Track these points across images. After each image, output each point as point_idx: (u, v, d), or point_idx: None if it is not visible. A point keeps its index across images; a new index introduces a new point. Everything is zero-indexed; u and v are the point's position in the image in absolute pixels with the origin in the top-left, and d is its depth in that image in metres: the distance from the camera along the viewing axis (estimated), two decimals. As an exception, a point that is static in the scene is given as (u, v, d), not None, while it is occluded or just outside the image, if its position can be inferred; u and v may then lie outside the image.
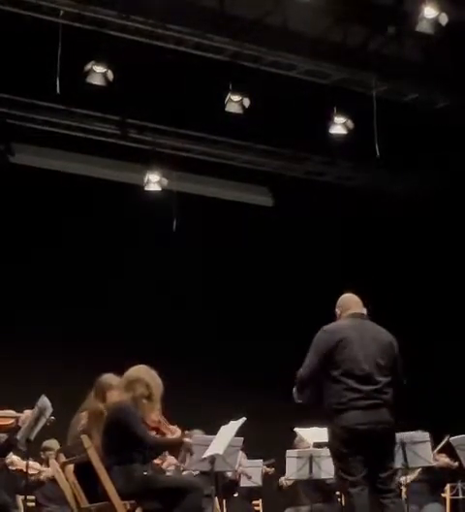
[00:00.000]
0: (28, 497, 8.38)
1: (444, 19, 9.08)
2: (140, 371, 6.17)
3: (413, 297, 12.18)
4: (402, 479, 8.61)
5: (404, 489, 8.72)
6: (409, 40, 10.04)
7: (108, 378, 6.45)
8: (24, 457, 7.64)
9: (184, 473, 8.26)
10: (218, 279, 12.51)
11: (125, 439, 5.88)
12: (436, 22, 9.09)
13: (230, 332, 12.20)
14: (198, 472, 8.11)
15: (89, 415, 6.31)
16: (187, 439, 6.44)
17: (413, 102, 10.87)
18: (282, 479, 9.40)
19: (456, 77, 10.45)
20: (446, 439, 8.63)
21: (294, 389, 5.97)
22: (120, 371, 6.25)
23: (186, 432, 6.92)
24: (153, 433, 6.87)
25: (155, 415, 6.48)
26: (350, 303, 6.14)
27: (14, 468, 8.50)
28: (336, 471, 5.96)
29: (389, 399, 5.88)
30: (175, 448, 6.41)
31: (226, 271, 12.54)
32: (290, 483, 9.41)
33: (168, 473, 8.40)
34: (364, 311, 6.13)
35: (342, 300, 6.19)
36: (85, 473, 5.91)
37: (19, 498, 8.65)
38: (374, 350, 5.92)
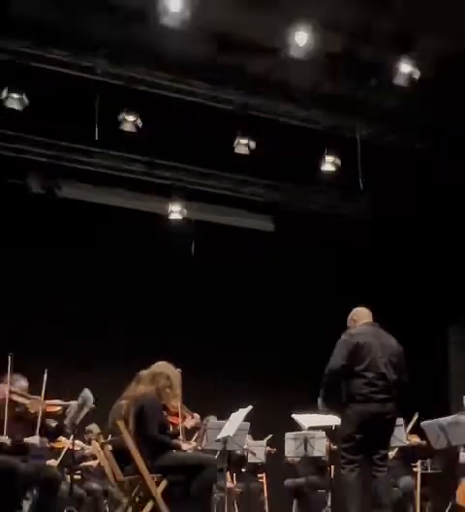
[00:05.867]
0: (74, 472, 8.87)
1: (416, 74, 9.56)
2: (162, 367, 6.58)
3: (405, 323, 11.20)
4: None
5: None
6: (388, 91, 10.14)
7: (144, 373, 6.78)
8: (70, 438, 8.35)
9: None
10: (230, 294, 12.75)
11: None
12: (410, 77, 9.58)
13: (242, 341, 12.54)
14: (218, 452, 8.44)
15: (129, 403, 6.63)
16: (186, 446, 6.88)
17: (392, 143, 11.09)
18: (290, 457, 9.92)
19: (428, 122, 10.73)
20: (415, 418, 9.13)
21: (322, 393, 6.43)
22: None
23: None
24: (173, 418, 7.60)
25: (175, 401, 7.07)
26: (363, 313, 6.79)
27: (62, 447, 9.10)
28: (339, 450, 6.60)
29: (396, 394, 6.49)
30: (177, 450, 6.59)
31: (236, 287, 12.83)
32: (298, 460, 10.05)
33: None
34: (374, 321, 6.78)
35: (357, 311, 6.79)
36: (121, 452, 6.38)
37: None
38: (388, 353, 6.49)
